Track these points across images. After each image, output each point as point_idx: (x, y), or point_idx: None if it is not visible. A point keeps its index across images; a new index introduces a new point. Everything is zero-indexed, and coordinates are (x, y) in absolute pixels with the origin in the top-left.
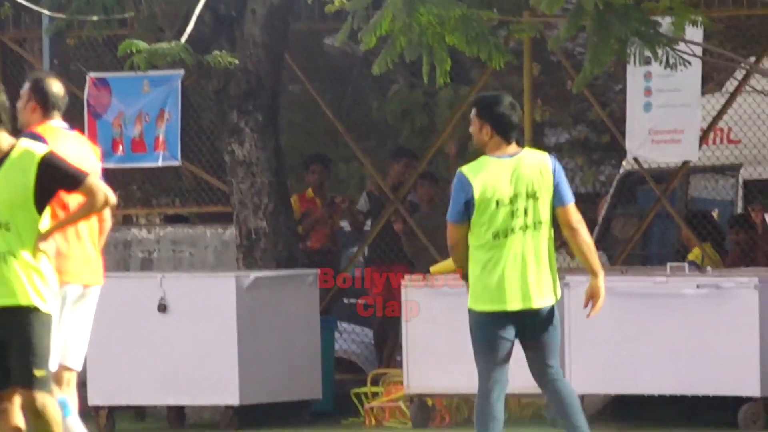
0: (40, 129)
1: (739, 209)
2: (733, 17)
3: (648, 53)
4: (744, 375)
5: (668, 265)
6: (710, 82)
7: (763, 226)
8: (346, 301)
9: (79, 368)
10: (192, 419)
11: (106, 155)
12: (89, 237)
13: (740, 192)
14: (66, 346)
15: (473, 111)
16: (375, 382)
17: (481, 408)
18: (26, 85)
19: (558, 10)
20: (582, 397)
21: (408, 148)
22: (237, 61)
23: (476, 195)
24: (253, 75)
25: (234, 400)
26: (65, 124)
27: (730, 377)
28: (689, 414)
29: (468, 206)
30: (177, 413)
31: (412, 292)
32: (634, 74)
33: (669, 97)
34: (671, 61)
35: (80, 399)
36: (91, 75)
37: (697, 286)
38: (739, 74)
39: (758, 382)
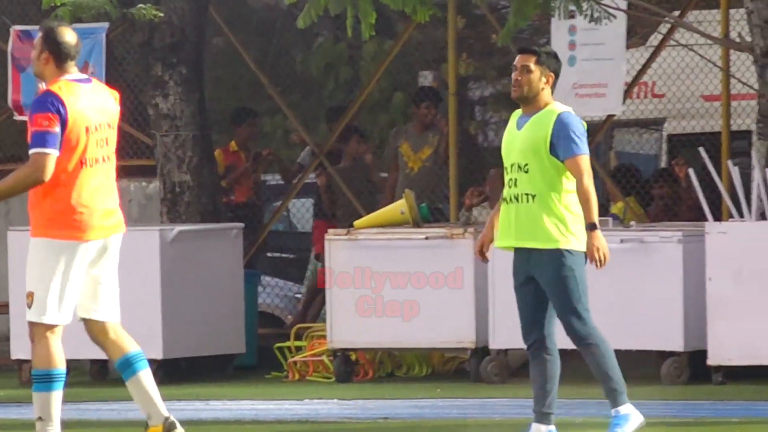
0: (54, 87)
1: (663, 163)
2: None
3: (572, 7)
4: (668, 329)
5: None
6: (634, 36)
7: (687, 180)
8: (269, 255)
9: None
10: (115, 373)
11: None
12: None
13: (664, 146)
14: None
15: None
16: (298, 336)
17: (608, 347)
18: (38, 35)
19: None
20: (506, 352)
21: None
22: (161, 14)
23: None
24: (178, 28)
25: (157, 353)
26: (81, 75)
27: (654, 332)
28: None
29: None
30: (100, 367)
31: (336, 245)
32: (559, 28)
33: (593, 51)
34: (596, 14)
35: (3, 353)
36: (16, 28)
37: (621, 241)
38: (664, 28)
39: (682, 336)
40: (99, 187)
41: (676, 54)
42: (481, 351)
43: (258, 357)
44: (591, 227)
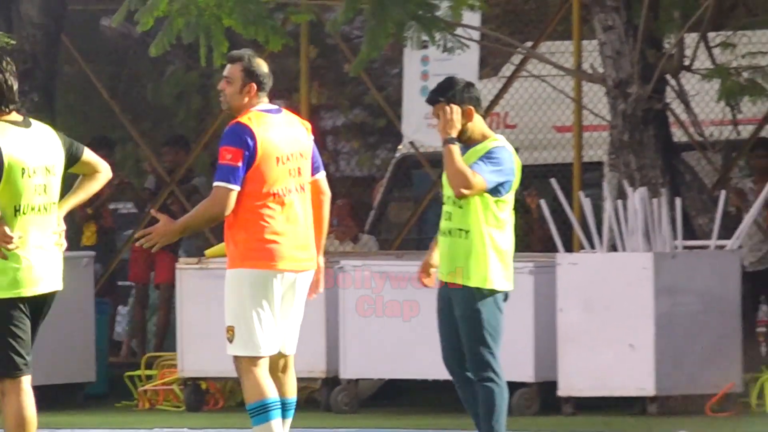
0: (245, 119)
1: None
2: (511, 2)
3: (425, 37)
4: (518, 360)
5: None
6: (487, 66)
7: (538, 211)
8: (120, 283)
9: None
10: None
11: None
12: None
13: None
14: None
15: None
16: (149, 365)
17: (505, 391)
18: (234, 66)
19: None
20: (356, 382)
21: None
22: (14, 42)
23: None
24: (30, 55)
25: None
26: (271, 106)
27: (504, 362)
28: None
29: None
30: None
31: (186, 274)
32: (411, 58)
33: None
34: (448, 45)
35: None
36: None
37: None
38: (516, 59)
39: (532, 367)
40: (292, 218)
41: (528, 85)
42: (332, 380)
43: (109, 386)
44: None
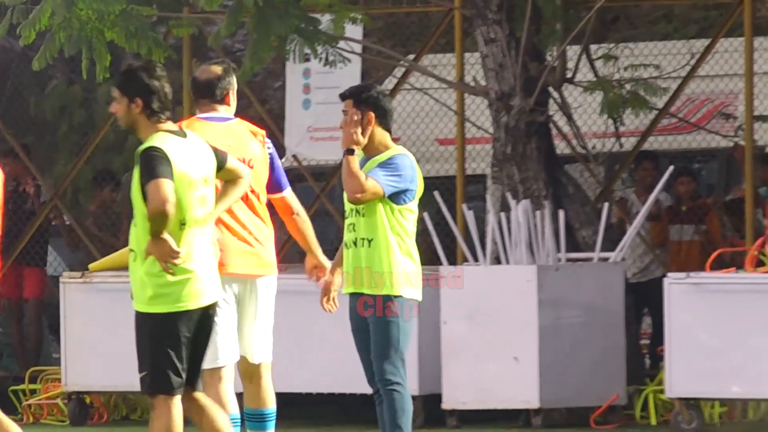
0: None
1: None
2: (393, 15)
3: (307, 50)
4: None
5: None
6: (370, 79)
7: (421, 224)
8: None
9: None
10: None
11: None
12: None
13: None
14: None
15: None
16: (33, 379)
17: (409, 400)
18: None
19: (218, 7)
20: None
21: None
22: None
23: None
24: None
25: None
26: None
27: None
28: (348, 411)
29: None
30: None
31: (71, 288)
32: (294, 71)
33: (328, 95)
34: (330, 58)
35: None
36: None
37: None
38: (399, 72)
39: (417, 380)
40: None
41: (411, 98)
42: None
43: None
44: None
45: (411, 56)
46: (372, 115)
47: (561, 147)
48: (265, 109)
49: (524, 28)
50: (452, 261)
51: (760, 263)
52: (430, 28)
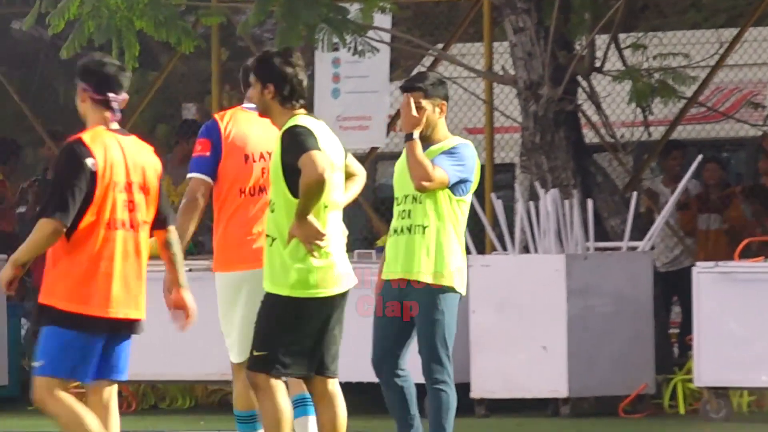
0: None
1: None
2: (421, 4)
3: (336, 39)
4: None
5: (355, 252)
6: (398, 68)
7: None
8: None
9: None
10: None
11: None
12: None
13: None
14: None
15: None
16: None
17: (455, 399)
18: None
19: None
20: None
21: None
22: None
23: None
24: None
25: None
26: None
27: (417, 365)
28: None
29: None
30: None
31: None
32: (323, 60)
33: (357, 84)
34: (359, 47)
35: None
36: None
37: None
38: (428, 61)
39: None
40: None
41: None
42: None
43: (21, 388)
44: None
45: (440, 45)
46: (445, 104)
47: (590, 136)
48: None
49: (553, 17)
50: (481, 250)
51: None
52: (458, 17)
